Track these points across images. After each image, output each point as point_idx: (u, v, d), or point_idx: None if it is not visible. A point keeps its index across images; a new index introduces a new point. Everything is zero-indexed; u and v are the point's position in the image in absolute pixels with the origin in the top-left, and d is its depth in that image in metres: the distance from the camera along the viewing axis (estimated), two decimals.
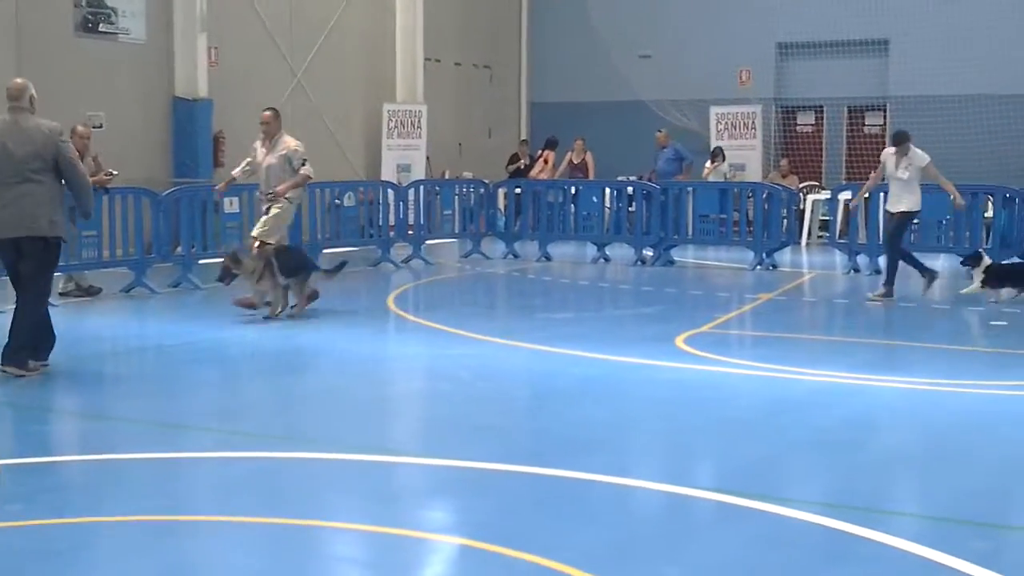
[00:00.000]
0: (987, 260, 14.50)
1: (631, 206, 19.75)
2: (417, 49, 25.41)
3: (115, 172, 14.66)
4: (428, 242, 19.85)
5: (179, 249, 15.76)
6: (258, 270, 12.51)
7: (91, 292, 14.22)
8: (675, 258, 18.86)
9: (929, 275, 14.74)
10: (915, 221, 15.72)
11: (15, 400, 8.77)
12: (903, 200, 14.58)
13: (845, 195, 18.94)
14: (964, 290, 14.55)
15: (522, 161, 24.63)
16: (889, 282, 14.55)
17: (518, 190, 21.38)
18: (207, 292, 14.96)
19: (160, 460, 7.15)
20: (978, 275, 14.33)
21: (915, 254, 15.11)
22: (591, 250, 19.82)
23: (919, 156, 14.57)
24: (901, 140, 14.70)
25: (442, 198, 20.84)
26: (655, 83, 26.96)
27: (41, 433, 7.96)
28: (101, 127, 18.71)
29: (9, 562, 5.29)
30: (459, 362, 10.29)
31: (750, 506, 6.09)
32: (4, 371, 9.49)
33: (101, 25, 19.72)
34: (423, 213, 20.11)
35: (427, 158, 24.71)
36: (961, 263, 14.87)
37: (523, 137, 27.44)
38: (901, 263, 14.62)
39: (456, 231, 20.80)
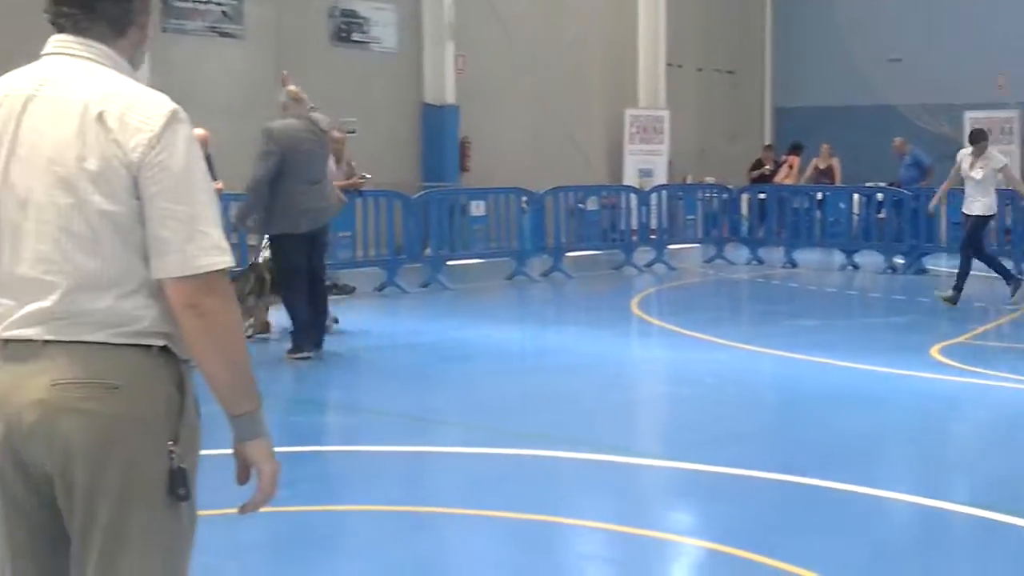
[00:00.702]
0: None
1: (880, 212, 19.22)
2: (659, 54, 25.36)
3: (368, 176, 15.12)
4: (671, 247, 19.79)
5: (428, 250, 16.15)
6: (246, 289, 11.06)
7: (345, 290, 14.69)
8: (927, 266, 18.28)
9: (1015, 282, 14.03)
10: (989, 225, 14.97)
11: (276, 391, 9.14)
12: (977, 202, 13.97)
13: None
14: None
15: (766, 166, 24.29)
16: (958, 287, 13.82)
17: (762, 195, 21.09)
18: (455, 293, 15.29)
19: (412, 453, 7.36)
20: None
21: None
22: (838, 257, 19.37)
23: (996, 158, 13.94)
24: (978, 139, 14.11)
25: (685, 203, 20.74)
26: (905, 87, 26.17)
27: (302, 424, 8.28)
28: (354, 132, 19.29)
29: (274, 545, 5.53)
30: (704, 367, 10.22)
31: (1012, 522, 5.85)
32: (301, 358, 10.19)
33: (354, 34, 20.38)
34: (666, 218, 20.05)
35: (669, 163, 24.63)
36: None
37: (767, 142, 27.06)
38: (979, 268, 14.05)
39: (699, 236, 20.66)
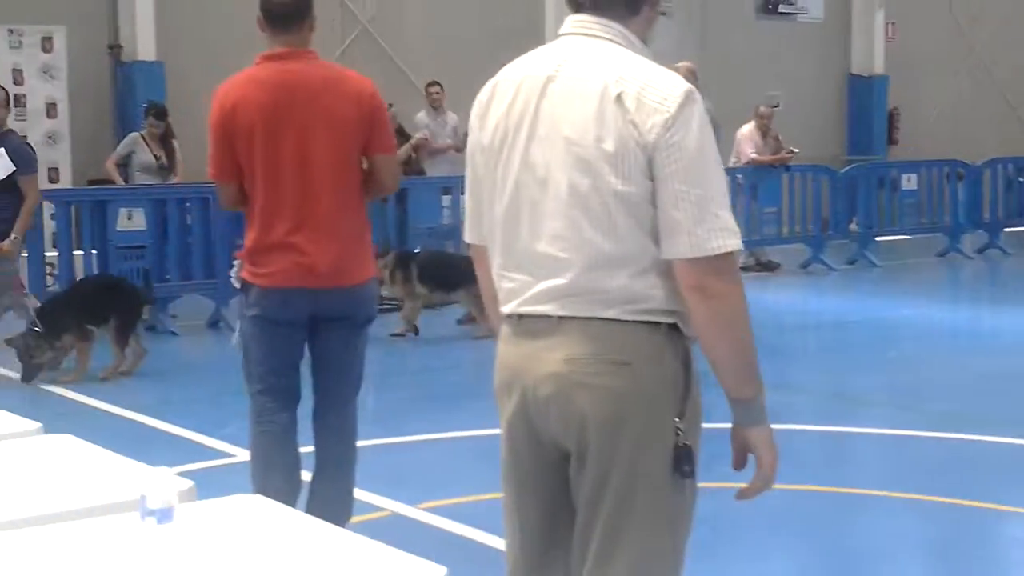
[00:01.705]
0: None
1: None
2: None
3: (796, 150, 15.03)
4: None
5: (855, 226, 15.84)
6: (387, 272, 10.01)
7: (769, 267, 14.69)
8: None
9: None
10: None
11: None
12: None
13: None
14: None
15: None
16: None
17: None
18: (884, 270, 14.92)
19: (837, 433, 7.32)
20: None
21: None
22: None
23: None
24: None
25: None
26: None
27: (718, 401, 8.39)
28: (778, 106, 19.18)
29: (711, 520, 5.65)
30: None
31: None
32: None
33: (781, 6, 20.25)
34: None
35: None
36: None
37: None
38: None
39: None
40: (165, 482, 2.16)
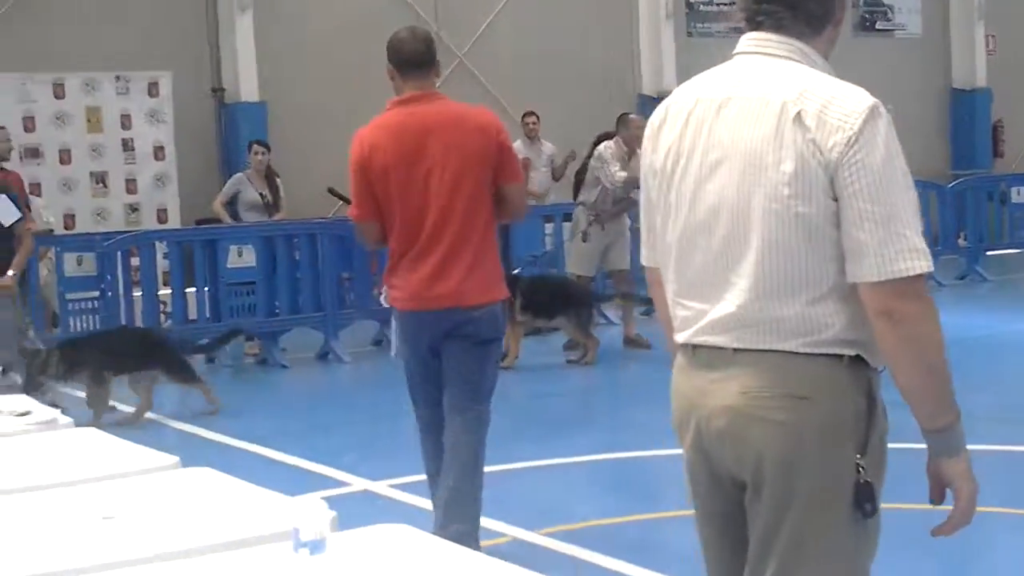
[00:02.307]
0: None
1: None
2: None
3: None
4: None
5: (963, 240, 15.62)
6: None
7: None
8: None
9: None
10: None
11: None
12: None
13: None
14: None
15: None
16: None
17: None
18: (995, 284, 14.70)
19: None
20: None
21: None
22: None
23: None
24: None
25: None
26: None
27: None
28: None
29: None
30: None
31: None
32: None
33: (878, 23, 20.10)
34: None
35: None
36: None
37: None
38: None
39: None
40: (316, 512, 2.19)
